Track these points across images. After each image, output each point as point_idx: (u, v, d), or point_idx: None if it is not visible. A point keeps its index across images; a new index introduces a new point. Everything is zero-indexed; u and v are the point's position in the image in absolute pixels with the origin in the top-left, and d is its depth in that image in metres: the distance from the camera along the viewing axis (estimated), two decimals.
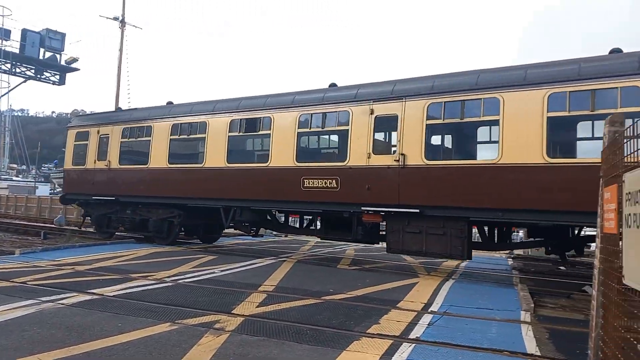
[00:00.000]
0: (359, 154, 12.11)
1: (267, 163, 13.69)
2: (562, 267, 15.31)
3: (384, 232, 12.85)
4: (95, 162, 18.18)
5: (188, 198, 15.63)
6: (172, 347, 5.56)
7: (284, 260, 14.01)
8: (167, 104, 17.61)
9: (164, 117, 16.58)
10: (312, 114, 13.24)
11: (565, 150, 10.51)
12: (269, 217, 15.60)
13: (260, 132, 14.19)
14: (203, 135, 15.36)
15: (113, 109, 27.38)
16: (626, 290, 2.97)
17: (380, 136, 12.49)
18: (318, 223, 15.75)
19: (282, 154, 13.41)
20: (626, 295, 3.01)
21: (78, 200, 19.35)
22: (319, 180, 12.66)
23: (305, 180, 12.85)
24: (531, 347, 6.13)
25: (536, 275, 13.24)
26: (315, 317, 7.27)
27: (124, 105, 33.22)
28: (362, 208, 12.09)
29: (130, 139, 17.43)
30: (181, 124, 16.09)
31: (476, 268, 14.77)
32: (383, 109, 12.05)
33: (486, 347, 6.05)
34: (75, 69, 39.72)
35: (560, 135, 10.43)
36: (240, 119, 14.57)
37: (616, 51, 10.12)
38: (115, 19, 36.83)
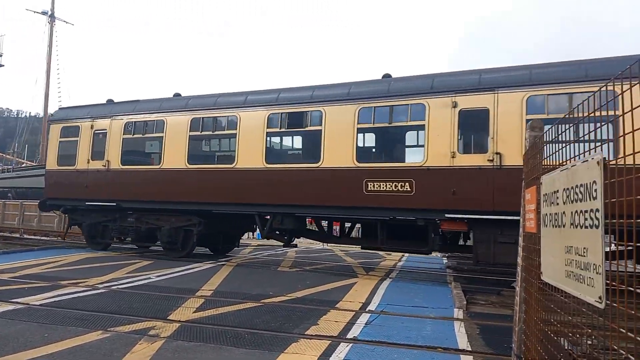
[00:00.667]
0: (439, 153, 10.85)
1: (318, 164, 12.08)
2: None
3: (462, 242, 12.00)
4: (88, 162, 15.75)
5: (213, 204, 13.61)
6: (103, 356, 5.35)
7: (223, 265, 13.82)
8: (173, 94, 15.45)
9: (180, 111, 14.40)
10: (374, 108, 11.67)
11: None
12: (309, 225, 14.50)
13: (308, 129, 12.56)
14: (233, 132, 13.40)
15: (43, 107, 26.03)
16: (544, 286, 3.15)
17: (466, 133, 11.17)
18: (357, 231, 14.46)
19: (338, 153, 11.87)
20: (544, 291, 3.18)
21: (64, 206, 16.76)
22: (388, 183, 11.31)
23: (369, 183, 11.52)
24: (463, 343, 6.37)
25: (469, 274, 13.75)
26: (254, 321, 7.22)
27: (53, 105, 31.45)
28: (446, 215, 10.70)
29: (135, 136, 15.14)
30: (203, 118, 13.95)
31: (412, 267, 15.18)
32: (469, 101, 10.80)
33: (421, 344, 6.22)
34: None
35: None
36: (282, 113, 12.81)
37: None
38: (44, 13, 35.07)
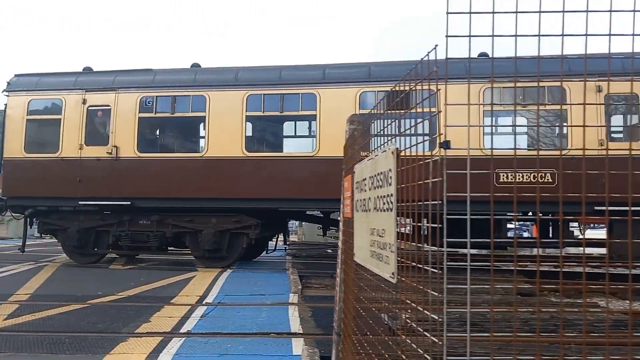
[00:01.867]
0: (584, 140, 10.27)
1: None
2: (329, 250, 16.88)
3: None
4: (81, 149, 12.15)
5: (285, 200, 11.40)
6: None
7: (46, 265, 12.52)
8: (192, 66, 12.60)
9: (230, 86, 11.70)
10: (501, 89, 10.41)
11: None
12: None
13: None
14: (312, 113, 11.42)
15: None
16: (357, 267, 3.41)
17: (617, 118, 10.38)
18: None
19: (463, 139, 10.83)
20: (358, 271, 3.44)
21: (34, 207, 12.63)
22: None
23: (501, 174, 10.40)
24: (295, 326, 6.62)
25: (307, 259, 14.34)
26: (78, 324, 6.67)
27: None
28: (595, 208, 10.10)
29: (159, 114, 12.03)
30: (265, 95, 11.55)
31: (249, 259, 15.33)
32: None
33: (255, 331, 6.33)
34: None
35: None
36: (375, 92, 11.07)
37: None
38: None
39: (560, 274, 2.71)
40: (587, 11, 1.91)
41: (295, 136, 13.37)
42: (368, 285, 2.97)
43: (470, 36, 1.84)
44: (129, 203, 11.90)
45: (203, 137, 12.18)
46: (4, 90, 12.74)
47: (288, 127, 13.41)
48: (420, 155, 2.10)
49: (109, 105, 12.20)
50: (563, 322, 6.43)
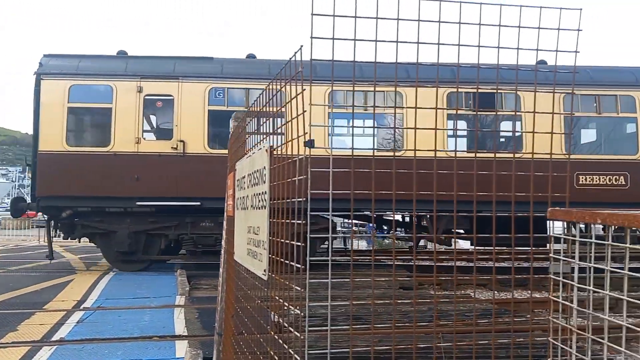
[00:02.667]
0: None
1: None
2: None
3: None
4: (139, 142, 10.50)
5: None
6: None
7: None
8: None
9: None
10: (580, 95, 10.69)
11: None
12: None
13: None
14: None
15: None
16: (237, 266, 3.38)
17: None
18: None
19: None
20: (239, 271, 3.42)
21: (74, 209, 10.69)
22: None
23: (581, 177, 10.47)
24: (180, 328, 6.43)
25: (197, 260, 13.98)
26: None
27: None
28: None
29: (232, 107, 10.34)
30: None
31: None
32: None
33: (136, 335, 6.05)
34: None
35: None
36: None
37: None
38: None
39: (435, 268, 2.88)
40: (439, 22, 2.05)
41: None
42: (246, 284, 2.96)
43: (333, 39, 1.90)
44: (198, 203, 10.46)
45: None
46: (39, 74, 10.72)
47: None
48: (289, 155, 2.13)
49: (171, 95, 10.71)
50: (438, 313, 6.88)
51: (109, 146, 10.62)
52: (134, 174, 10.45)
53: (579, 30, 2.04)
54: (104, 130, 10.85)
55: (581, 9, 2.04)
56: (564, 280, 1.82)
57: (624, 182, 10.73)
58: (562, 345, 1.79)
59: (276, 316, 2.15)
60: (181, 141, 10.53)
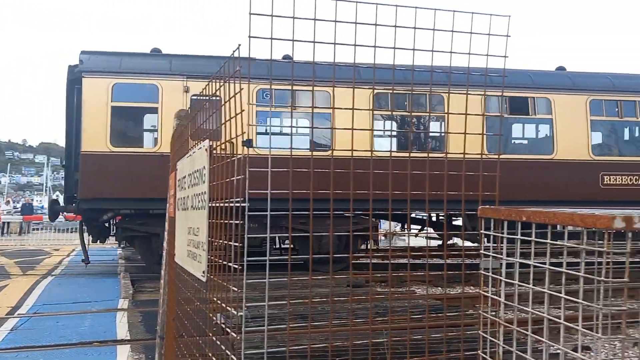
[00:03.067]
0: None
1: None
2: None
3: None
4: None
5: None
6: None
7: None
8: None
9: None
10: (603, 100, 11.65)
11: None
12: None
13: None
14: None
15: None
16: (179, 268, 3.32)
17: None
18: None
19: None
20: (180, 273, 3.35)
21: (116, 211, 10.28)
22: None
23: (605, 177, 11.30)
24: (122, 333, 6.25)
25: (141, 262, 13.62)
26: None
27: None
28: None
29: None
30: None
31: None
32: None
33: (75, 342, 5.83)
34: None
35: None
36: None
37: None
38: None
39: (370, 266, 2.93)
40: (375, 24, 2.09)
41: None
42: (187, 286, 2.91)
43: (272, 39, 1.90)
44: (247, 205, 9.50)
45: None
46: (82, 71, 10.11)
47: None
48: (229, 154, 2.12)
49: (217, 96, 9.91)
50: (384, 309, 7.00)
51: (157, 147, 10.29)
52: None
53: (507, 35, 2.13)
54: (149, 131, 10.69)
55: (510, 16, 2.13)
56: (493, 275, 1.90)
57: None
58: (490, 338, 1.87)
59: (215, 318, 2.12)
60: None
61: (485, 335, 1.87)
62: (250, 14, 1.88)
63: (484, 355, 1.85)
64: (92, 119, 10.09)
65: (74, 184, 10.59)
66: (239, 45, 1.89)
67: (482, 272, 1.90)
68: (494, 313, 1.81)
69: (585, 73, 12.77)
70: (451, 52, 2.10)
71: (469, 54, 2.07)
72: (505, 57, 2.12)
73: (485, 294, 1.86)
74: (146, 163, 10.11)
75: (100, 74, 10.28)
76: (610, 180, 11.45)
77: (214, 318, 2.11)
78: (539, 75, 12.27)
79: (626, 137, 12.70)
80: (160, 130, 10.27)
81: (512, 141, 12.76)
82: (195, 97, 10.15)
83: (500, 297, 1.78)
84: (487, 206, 1.87)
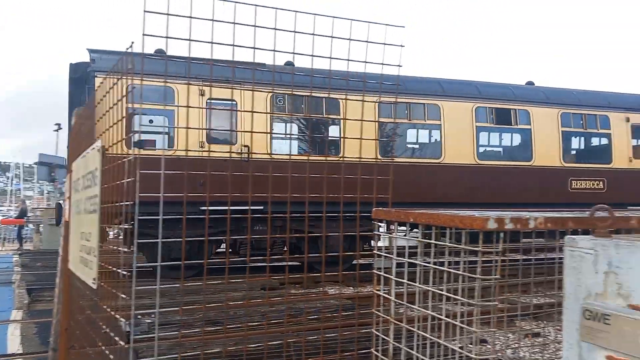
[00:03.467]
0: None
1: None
2: None
3: None
4: (203, 146, 9.85)
5: None
6: None
7: None
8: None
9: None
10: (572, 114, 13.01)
11: None
12: None
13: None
14: None
15: None
16: (72, 275, 3.13)
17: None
18: None
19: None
20: (74, 281, 3.16)
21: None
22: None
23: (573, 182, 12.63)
24: (14, 346, 5.80)
25: (40, 270, 12.73)
26: None
27: None
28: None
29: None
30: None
31: None
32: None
33: None
34: None
35: None
36: None
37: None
38: None
39: (268, 268, 2.92)
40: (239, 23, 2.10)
41: None
42: (79, 294, 2.76)
43: (167, 37, 1.85)
44: (261, 207, 8.19)
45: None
46: (95, 70, 9.66)
47: None
48: (121, 154, 2.04)
49: (233, 100, 9.67)
50: (297, 310, 7.03)
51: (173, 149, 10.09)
52: (199, 178, 9.13)
53: (401, 46, 2.22)
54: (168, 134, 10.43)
55: (404, 27, 2.22)
56: (386, 275, 1.97)
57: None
58: (383, 336, 1.93)
59: (118, 325, 2.02)
60: (246, 146, 10.22)
61: (377, 334, 1.94)
62: (144, 11, 1.82)
63: (377, 353, 1.91)
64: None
65: None
66: (132, 42, 1.83)
67: (375, 271, 1.97)
68: (385, 311, 1.88)
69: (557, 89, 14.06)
70: (348, 60, 2.16)
71: (365, 62, 2.13)
72: (399, 66, 2.21)
73: (378, 292, 1.92)
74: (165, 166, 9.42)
75: (113, 73, 9.42)
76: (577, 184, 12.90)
77: (109, 326, 2.01)
78: (519, 89, 13.38)
79: (589, 146, 14.32)
80: (176, 134, 10.30)
81: (492, 149, 13.82)
82: (209, 101, 9.89)
83: (391, 296, 1.86)
84: (380, 208, 1.93)
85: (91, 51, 10.36)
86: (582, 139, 14.24)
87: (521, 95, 13.12)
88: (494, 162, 12.80)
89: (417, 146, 13.34)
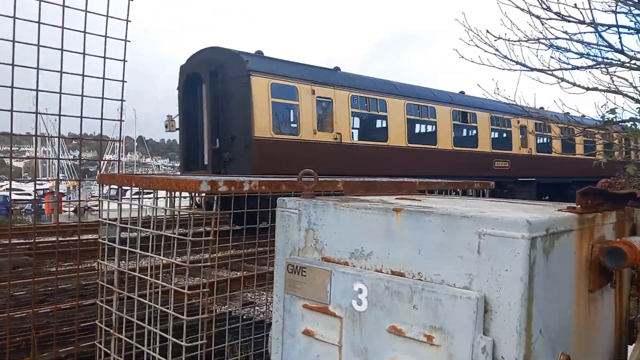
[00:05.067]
0: None
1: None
2: None
3: None
4: (315, 133, 13.61)
5: None
6: None
7: None
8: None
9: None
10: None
11: None
12: None
13: None
14: None
15: None
16: None
17: None
18: None
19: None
20: None
21: None
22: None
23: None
24: None
25: None
26: None
27: None
28: None
29: (360, 110, 15.14)
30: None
31: None
32: None
33: None
34: None
35: None
36: None
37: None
38: None
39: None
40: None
41: None
42: None
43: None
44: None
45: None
46: (250, 70, 12.21)
47: None
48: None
49: (330, 98, 13.58)
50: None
51: (299, 135, 12.97)
52: (317, 157, 12.78)
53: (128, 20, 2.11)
54: (293, 122, 13.30)
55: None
56: (109, 244, 1.89)
57: None
58: (106, 306, 1.86)
59: None
60: (339, 133, 13.59)
61: (101, 304, 1.85)
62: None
63: (100, 325, 1.83)
64: (260, 111, 12.25)
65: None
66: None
67: (100, 240, 1.87)
68: (108, 280, 1.81)
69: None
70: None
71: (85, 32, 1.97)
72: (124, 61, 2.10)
73: (102, 262, 1.84)
74: (290, 148, 12.60)
75: (262, 74, 12.45)
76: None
77: None
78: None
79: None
80: (299, 123, 13.00)
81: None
82: (319, 99, 13.42)
83: (116, 265, 1.79)
84: (105, 173, 1.83)
85: (241, 53, 12.78)
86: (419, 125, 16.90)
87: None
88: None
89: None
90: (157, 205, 1.69)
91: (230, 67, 12.34)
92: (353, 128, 14.40)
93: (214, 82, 12.29)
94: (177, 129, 13.84)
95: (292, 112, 13.32)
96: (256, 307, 6.42)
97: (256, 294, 5.70)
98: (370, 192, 2.13)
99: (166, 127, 14.37)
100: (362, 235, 1.53)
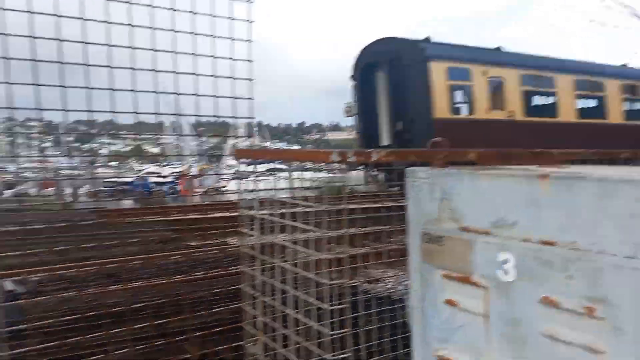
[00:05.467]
0: None
1: None
2: None
3: None
4: (489, 112, 14.13)
5: None
6: None
7: None
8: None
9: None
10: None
11: None
12: None
13: None
14: None
15: None
16: None
17: None
18: None
19: None
20: None
21: None
22: None
23: None
24: None
25: None
26: None
27: None
28: None
29: (534, 88, 15.35)
30: None
31: None
32: None
33: None
34: None
35: None
36: None
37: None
38: None
39: None
40: None
41: None
42: None
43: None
44: None
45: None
46: (428, 57, 13.06)
47: None
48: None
49: (500, 77, 13.90)
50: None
51: (472, 114, 13.68)
52: (492, 135, 12.90)
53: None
54: (465, 103, 14.16)
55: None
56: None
57: None
58: (252, 272, 1.99)
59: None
60: (511, 111, 13.96)
61: (248, 271, 1.99)
62: None
63: (248, 290, 1.98)
64: (438, 93, 12.98)
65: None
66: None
67: (252, 215, 1.98)
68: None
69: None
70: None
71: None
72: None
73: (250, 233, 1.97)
74: (465, 126, 13.23)
75: (439, 59, 13.17)
76: None
77: None
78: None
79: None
80: (473, 102, 13.68)
81: None
82: (490, 78, 13.79)
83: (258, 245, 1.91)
84: (242, 148, 1.94)
85: (422, 41, 13.64)
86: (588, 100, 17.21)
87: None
88: None
89: None
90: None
91: (408, 54, 13.36)
92: (523, 105, 14.80)
93: (392, 69, 13.48)
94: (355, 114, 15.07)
95: (466, 92, 14.31)
96: (379, 283, 6.48)
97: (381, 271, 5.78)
98: (505, 162, 2.04)
99: (346, 112, 15.59)
100: (504, 203, 1.47)
